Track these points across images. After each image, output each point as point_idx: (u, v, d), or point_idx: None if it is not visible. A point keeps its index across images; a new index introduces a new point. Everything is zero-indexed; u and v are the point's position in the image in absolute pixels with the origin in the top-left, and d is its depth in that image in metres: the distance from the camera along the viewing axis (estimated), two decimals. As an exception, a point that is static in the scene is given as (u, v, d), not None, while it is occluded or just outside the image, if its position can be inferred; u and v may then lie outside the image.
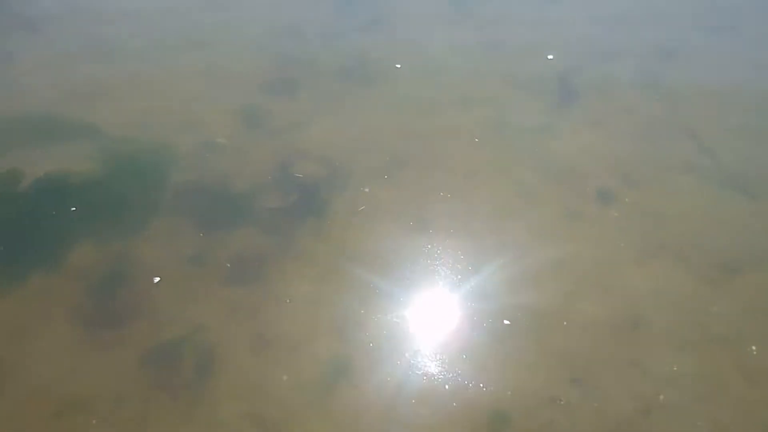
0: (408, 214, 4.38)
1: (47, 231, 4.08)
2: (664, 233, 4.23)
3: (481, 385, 3.41)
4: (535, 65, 5.93)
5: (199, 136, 4.86)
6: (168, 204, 4.34)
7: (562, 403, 3.33)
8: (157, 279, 3.85)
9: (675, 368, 3.48)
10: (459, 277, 3.98)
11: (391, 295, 3.87)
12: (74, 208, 4.19)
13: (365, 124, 5.15)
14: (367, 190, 4.55)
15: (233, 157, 4.74)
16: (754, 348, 3.58)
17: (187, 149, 4.74)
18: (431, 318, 3.80)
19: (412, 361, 3.53)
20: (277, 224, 4.28)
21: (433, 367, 3.51)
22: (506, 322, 3.72)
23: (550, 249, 4.13)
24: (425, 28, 6.42)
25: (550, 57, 6.08)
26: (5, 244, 3.96)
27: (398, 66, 5.90)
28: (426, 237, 4.22)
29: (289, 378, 3.46)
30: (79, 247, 3.99)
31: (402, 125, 5.15)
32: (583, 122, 5.23)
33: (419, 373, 3.48)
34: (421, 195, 4.53)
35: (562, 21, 6.62)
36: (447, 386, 3.41)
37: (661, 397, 3.37)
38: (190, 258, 4.03)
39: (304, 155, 4.76)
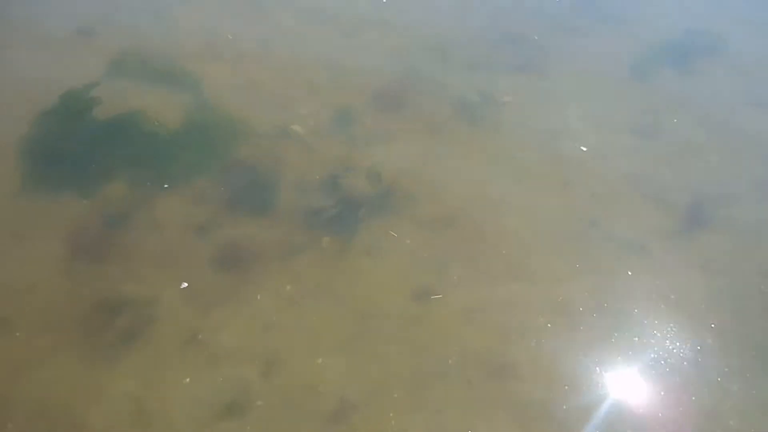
0: (417, 278, 3.91)
1: (99, 158, 4.42)
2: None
3: None
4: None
5: (281, 120, 4.85)
6: (213, 171, 4.43)
7: None
8: (185, 284, 3.79)
9: None
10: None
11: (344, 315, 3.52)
12: (131, 147, 4.51)
13: (442, 169, 4.66)
14: (395, 234, 4.15)
15: (299, 148, 4.66)
16: None
17: (263, 128, 4.76)
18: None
19: None
20: (295, 228, 4.11)
21: None
22: None
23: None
24: (586, 90, 5.55)
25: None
26: (59, 157, 4.40)
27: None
28: (420, 307, 3.74)
29: (190, 384, 3.34)
30: (116, 182, 4.26)
31: (485, 183, 4.57)
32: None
33: None
34: (445, 263, 4.00)
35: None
36: None
37: None
38: (196, 226, 4.07)
39: (362, 173, 4.50)
